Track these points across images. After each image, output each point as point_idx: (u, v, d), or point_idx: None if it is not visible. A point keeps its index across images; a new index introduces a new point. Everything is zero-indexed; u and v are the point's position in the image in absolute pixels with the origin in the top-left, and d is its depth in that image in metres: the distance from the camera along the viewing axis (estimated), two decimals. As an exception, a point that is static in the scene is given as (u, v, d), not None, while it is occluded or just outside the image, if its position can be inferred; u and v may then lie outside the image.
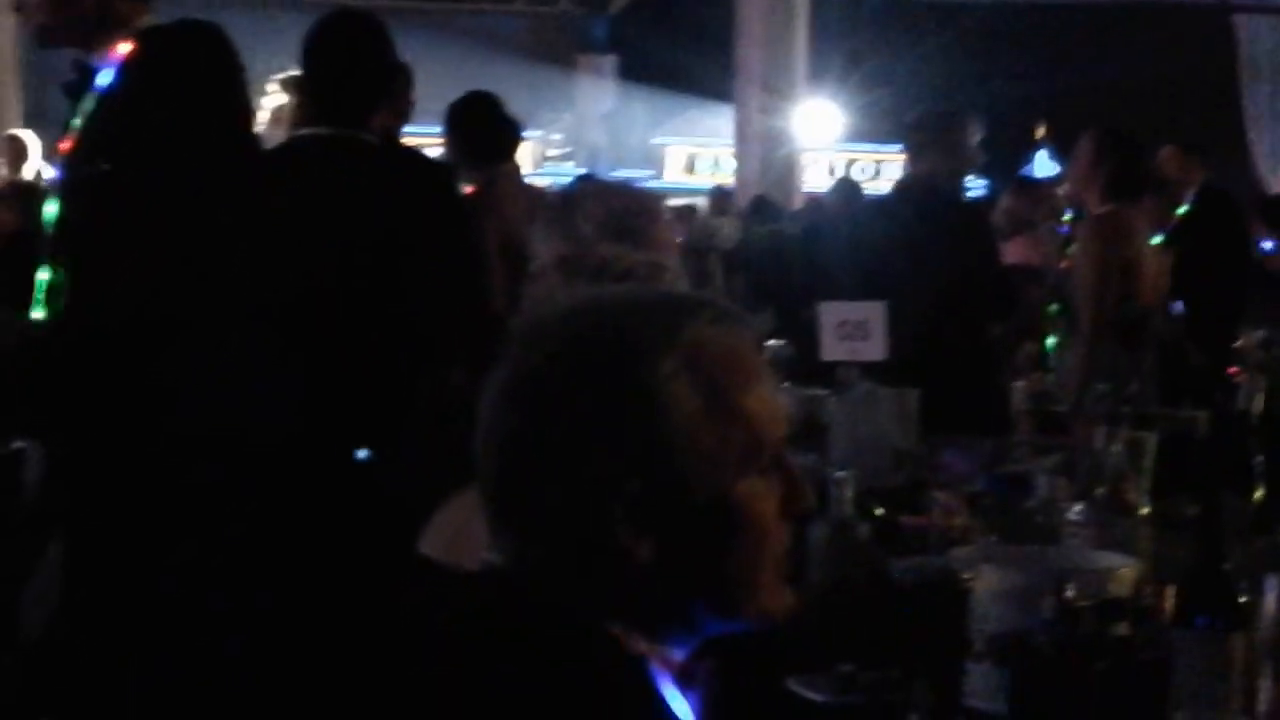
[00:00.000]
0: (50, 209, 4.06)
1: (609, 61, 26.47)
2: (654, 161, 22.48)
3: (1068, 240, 7.41)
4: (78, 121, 3.96)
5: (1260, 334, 6.09)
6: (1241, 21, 21.41)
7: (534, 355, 1.73)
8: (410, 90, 5.82)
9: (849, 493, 3.03)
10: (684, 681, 1.76)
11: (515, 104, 6.81)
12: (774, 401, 1.77)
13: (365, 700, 1.74)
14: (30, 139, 12.27)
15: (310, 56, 4.47)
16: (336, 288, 4.17)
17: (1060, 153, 16.33)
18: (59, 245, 3.97)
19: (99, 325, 3.85)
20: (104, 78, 3.91)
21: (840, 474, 3.07)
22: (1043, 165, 17.31)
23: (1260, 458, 3.43)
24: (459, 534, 2.27)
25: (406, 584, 2.39)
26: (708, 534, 1.71)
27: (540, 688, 1.65)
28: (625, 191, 3.32)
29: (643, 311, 1.75)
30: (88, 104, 3.94)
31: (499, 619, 1.70)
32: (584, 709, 1.65)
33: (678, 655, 1.77)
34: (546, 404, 1.69)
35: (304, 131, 4.45)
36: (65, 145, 4.00)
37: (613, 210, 3.11)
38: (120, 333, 3.81)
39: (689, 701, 1.75)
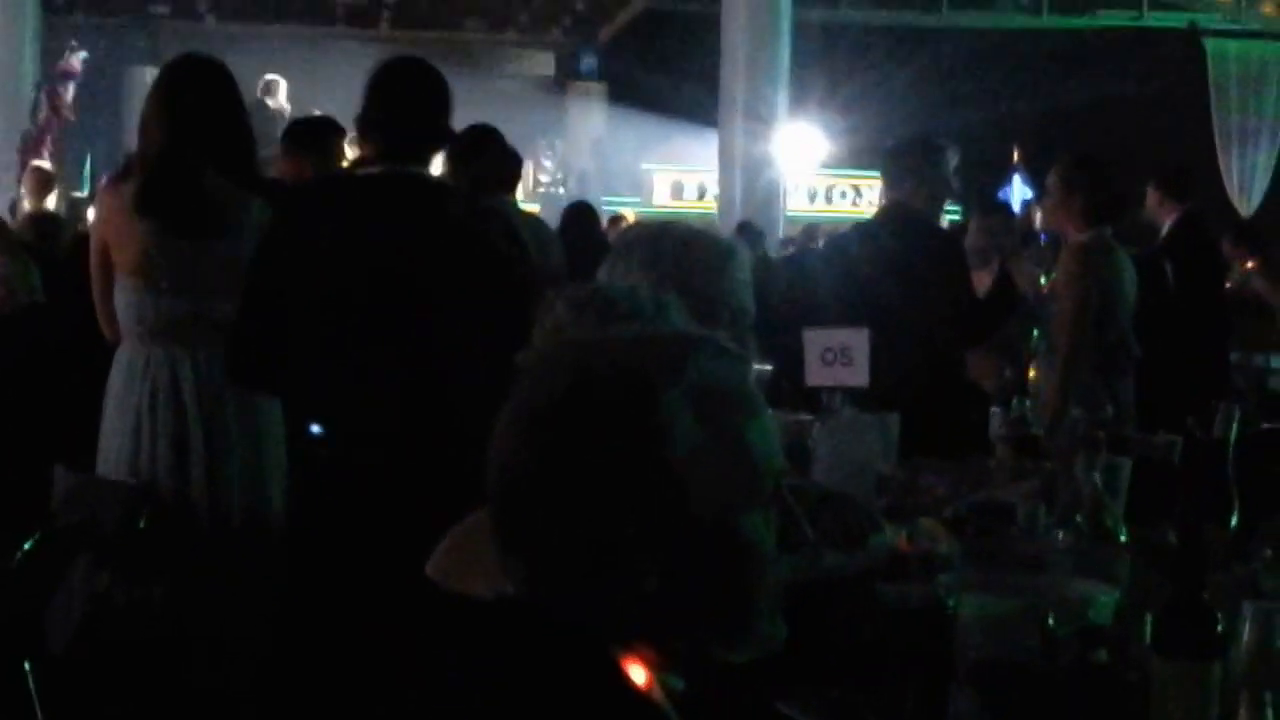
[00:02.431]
0: None
1: (598, 89, 26.54)
2: (642, 187, 22.46)
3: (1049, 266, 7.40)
4: None
5: (1235, 358, 6.14)
6: (1211, 46, 21.46)
7: (543, 389, 1.73)
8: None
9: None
10: (682, 707, 1.77)
11: (507, 131, 6.84)
12: (773, 435, 1.78)
13: None
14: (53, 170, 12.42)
15: (378, 98, 4.48)
16: (399, 316, 4.18)
17: (1035, 177, 16.40)
18: None
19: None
20: None
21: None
22: (1018, 189, 17.39)
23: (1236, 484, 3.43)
24: (468, 558, 2.27)
25: (417, 610, 2.39)
26: (712, 564, 1.71)
27: (552, 716, 1.65)
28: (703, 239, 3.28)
29: (648, 348, 1.77)
30: None
31: (512, 648, 1.70)
32: None
33: (678, 682, 1.77)
34: (556, 437, 1.69)
35: (374, 169, 4.45)
36: None
37: (682, 259, 3.11)
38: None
39: None
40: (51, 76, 17.36)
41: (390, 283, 4.17)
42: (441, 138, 4.55)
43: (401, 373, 4.14)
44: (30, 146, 17.55)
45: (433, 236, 4.27)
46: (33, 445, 6.05)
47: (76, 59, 16.40)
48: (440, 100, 4.52)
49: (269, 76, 17.63)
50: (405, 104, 4.46)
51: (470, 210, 4.57)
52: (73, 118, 17.42)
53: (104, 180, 7.38)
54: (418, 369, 4.12)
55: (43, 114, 18.04)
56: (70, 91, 17.25)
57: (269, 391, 4.67)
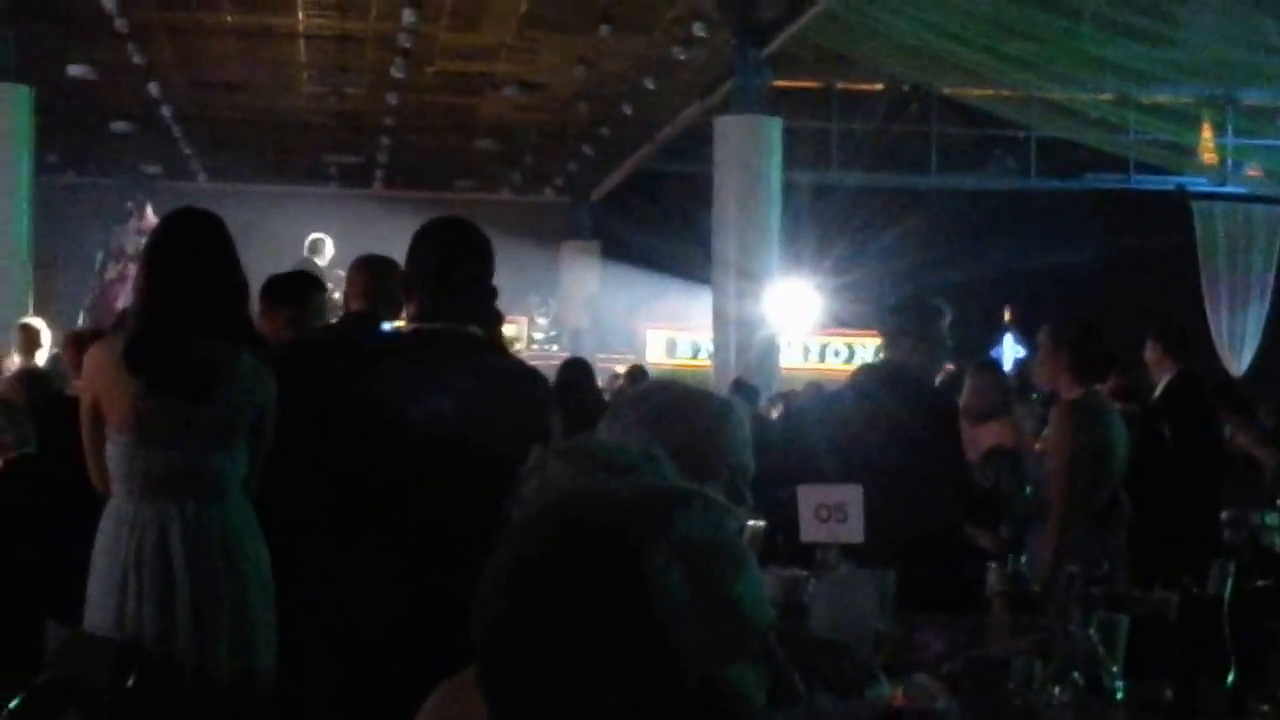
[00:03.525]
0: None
1: (592, 247, 26.75)
2: (635, 344, 22.58)
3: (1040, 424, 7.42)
4: None
5: (1228, 514, 6.13)
6: (1198, 208, 21.66)
7: (531, 544, 1.72)
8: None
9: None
10: None
11: (503, 288, 6.85)
12: (762, 590, 1.76)
13: None
14: (42, 327, 12.42)
15: (430, 254, 4.52)
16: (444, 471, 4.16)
17: (1026, 335, 16.50)
18: None
19: None
20: None
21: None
22: (1009, 348, 17.47)
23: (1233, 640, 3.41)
24: (456, 715, 2.24)
25: None
26: (698, 718, 1.68)
27: None
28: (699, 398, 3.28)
29: (636, 503, 1.75)
30: None
31: None
32: None
33: None
34: (543, 592, 1.68)
35: (425, 326, 4.47)
36: None
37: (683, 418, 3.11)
38: None
39: None
40: (120, 235, 17.30)
41: (436, 439, 4.16)
42: (488, 294, 4.58)
43: (432, 535, 4.10)
44: (101, 304, 17.55)
45: (484, 394, 4.27)
46: (25, 599, 6.02)
47: (148, 211, 16.35)
48: (487, 258, 4.57)
49: (315, 235, 17.79)
50: (453, 262, 4.50)
51: (519, 370, 4.58)
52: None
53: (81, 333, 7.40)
54: (437, 527, 4.09)
55: (111, 273, 18.08)
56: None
57: (293, 540, 4.67)
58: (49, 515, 6.17)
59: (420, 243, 4.55)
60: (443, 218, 4.72)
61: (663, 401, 3.16)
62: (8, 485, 6.63)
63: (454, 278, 4.47)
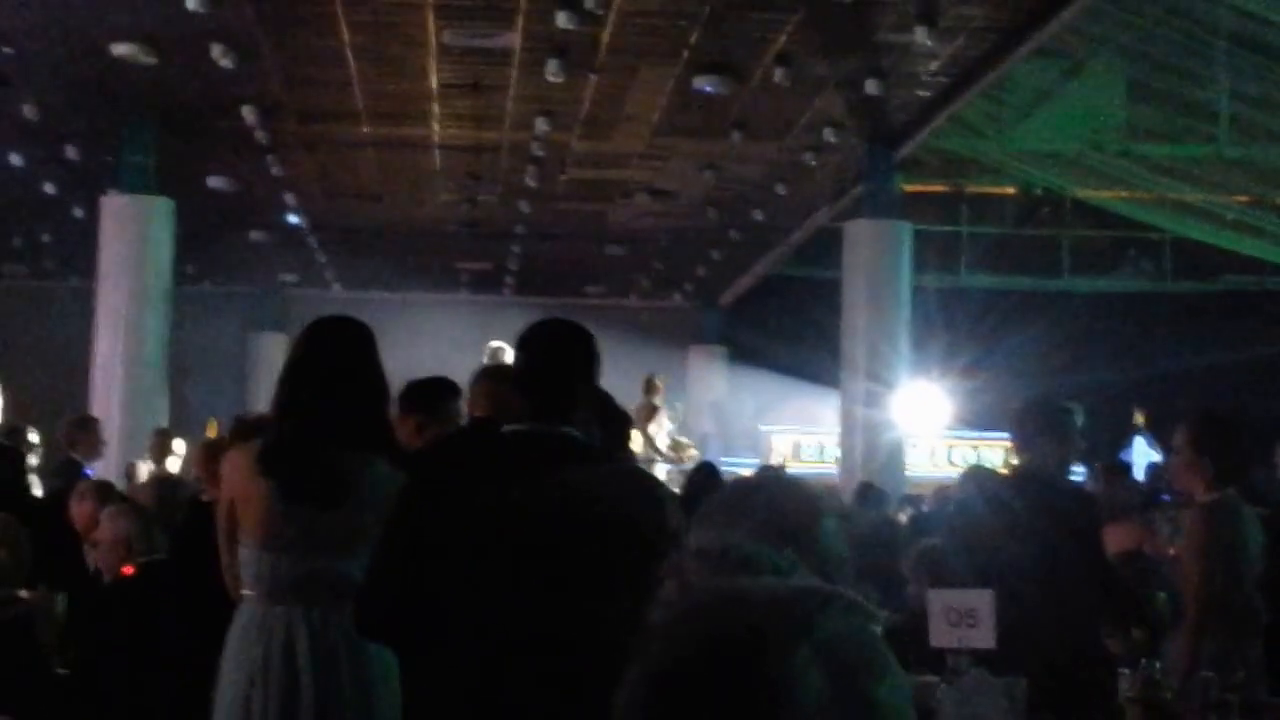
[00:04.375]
0: None
1: (719, 351, 26.81)
2: (760, 447, 22.55)
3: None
4: None
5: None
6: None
7: (672, 649, 1.72)
8: None
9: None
10: None
11: (632, 391, 6.89)
12: (904, 692, 1.75)
13: None
14: (175, 435, 12.69)
15: (531, 356, 4.49)
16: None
17: (1159, 438, 16.28)
18: None
19: None
20: None
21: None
22: (1140, 451, 17.25)
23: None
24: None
25: None
26: None
27: None
28: (795, 490, 3.26)
29: (776, 604, 1.75)
30: None
31: None
32: None
33: None
34: (686, 696, 1.67)
35: (521, 426, 4.44)
36: None
37: (777, 510, 3.08)
38: None
39: None
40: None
41: (534, 542, 4.14)
42: (589, 397, 4.53)
43: (542, 635, 4.08)
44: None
45: (578, 497, 4.23)
46: (153, 705, 6.09)
47: None
48: (590, 360, 4.50)
49: (495, 344, 17.95)
50: (557, 364, 4.43)
51: (631, 472, 4.54)
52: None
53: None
54: (557, 631, 4.07)
55: None
56: None
57: (398, 646, 4.64)
58: (179, 621, 6.24)
59: (521, 343, 4.52)
60: (545, 320, 4.64)
61: (758, 499, 3.13)
62: (137, 591, 6.71)
63: (548, 379, 4.40)
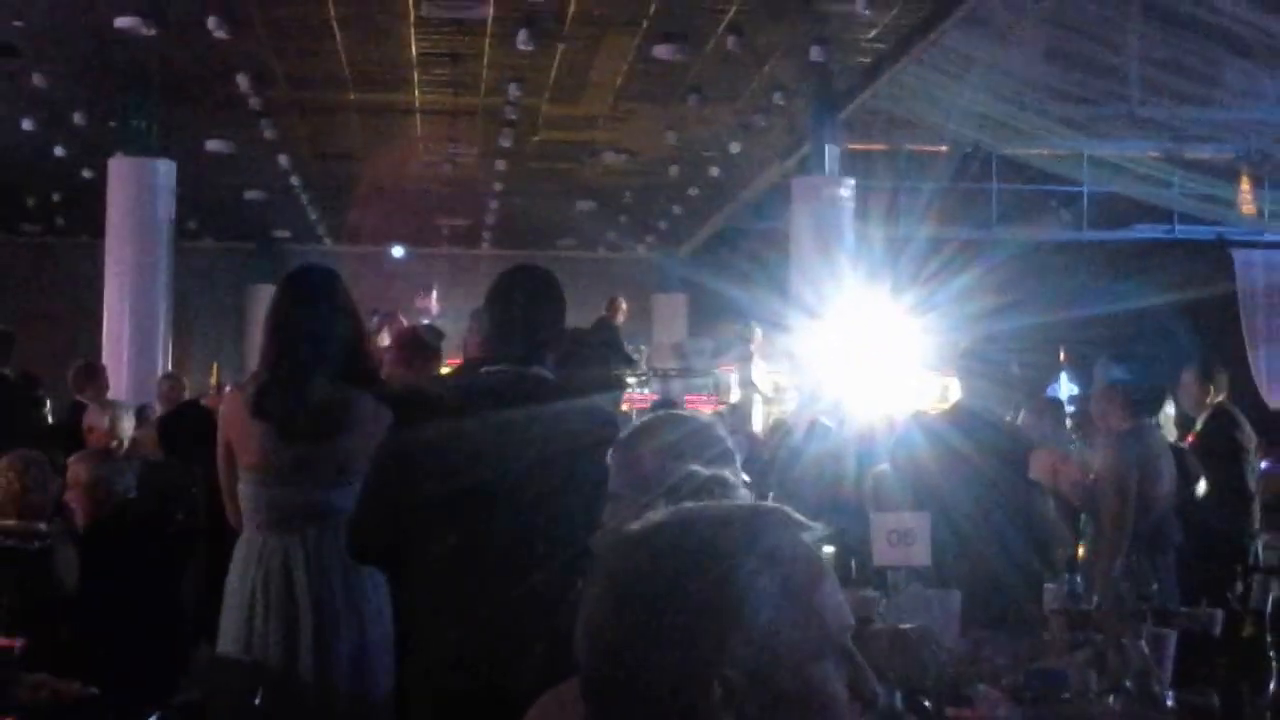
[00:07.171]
0: None
1: (680, 299, 26.84)
2: (721, 387, 22.54)
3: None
4: None
5: (1268, 538, 6.08)
6: (1237, 255, 21.48)
7: (630, 565, 1.73)
8: None
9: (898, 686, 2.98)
10: None
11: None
12: (839, 596, 1.77)
13: None
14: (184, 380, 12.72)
15: (501, 301, 4.45)
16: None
17: (1079, 374, 16.35)
18: None
19: None
20: None
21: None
22: (1065, 386, 17.32)
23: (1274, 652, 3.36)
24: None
25: None
26: (790, 715, 1.69)
27: None
28: (685, 422, 3.27)
29: (723, 521, 1.76)
30: None
31: None
32: None
33: None
34: (648, 608, 1.68)
35: (496, 368, 4.41)
36: None
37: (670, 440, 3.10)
38: None
39: None
40: (390, 314, 17.35)
41: (506, 470, 4.12)
42: (558, 339, 4.50)
43: (514, 551, 4.06)
44: None
45: (554, 433, 4.21)
46: (178, 622, 6.08)
47: (432, 299, 16.19)
48: (558, 305, 4.48)
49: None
50: (530, 309, 4.39)
51: (588, 411, 4.50)
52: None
53: (228, 386, 7.44)
54: (528, 548, 4.06)
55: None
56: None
57: (387, 568, 4.64)
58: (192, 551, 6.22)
59: (495, 290, 4.47)
60: (518, 267, 4.58)
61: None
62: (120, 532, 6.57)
63: (522, 324, 4.36)
